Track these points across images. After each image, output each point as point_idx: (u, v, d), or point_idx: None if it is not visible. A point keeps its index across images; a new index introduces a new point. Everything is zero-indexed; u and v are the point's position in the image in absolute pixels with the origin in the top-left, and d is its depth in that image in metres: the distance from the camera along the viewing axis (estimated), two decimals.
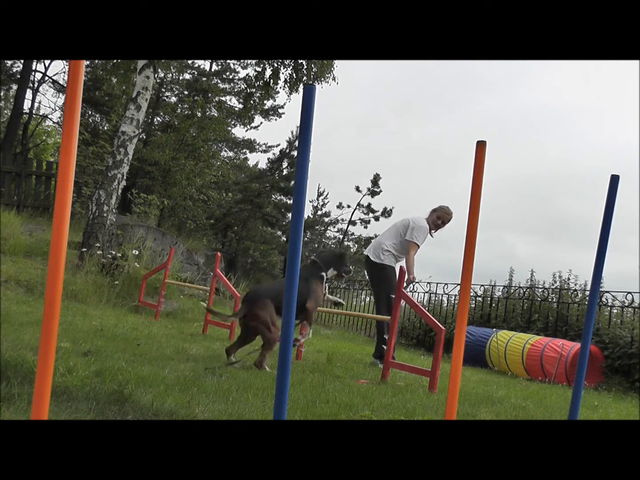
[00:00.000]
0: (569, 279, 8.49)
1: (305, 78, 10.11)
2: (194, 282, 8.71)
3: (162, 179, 14.48)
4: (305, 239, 22.11)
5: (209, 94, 17.47)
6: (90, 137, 13.97)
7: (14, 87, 17.29)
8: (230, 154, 22.02)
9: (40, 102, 29.38)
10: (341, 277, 4.30)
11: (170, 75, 18.95)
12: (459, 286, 7.88)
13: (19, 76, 15.95)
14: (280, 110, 20.56)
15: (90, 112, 17.97)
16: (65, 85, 15.82)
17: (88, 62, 14.76)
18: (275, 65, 10.34)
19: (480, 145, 1.42)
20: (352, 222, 23.23)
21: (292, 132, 19.28)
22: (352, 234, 23.88)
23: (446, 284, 9.21)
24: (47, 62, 16.64)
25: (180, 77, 19.55)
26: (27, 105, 15.99)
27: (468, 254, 1.42)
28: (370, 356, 5.97)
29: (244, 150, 22.37)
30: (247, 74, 14.99)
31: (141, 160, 14.62)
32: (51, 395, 1.11)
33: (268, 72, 10.67)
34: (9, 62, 16.74)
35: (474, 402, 3.39)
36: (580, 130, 45.15)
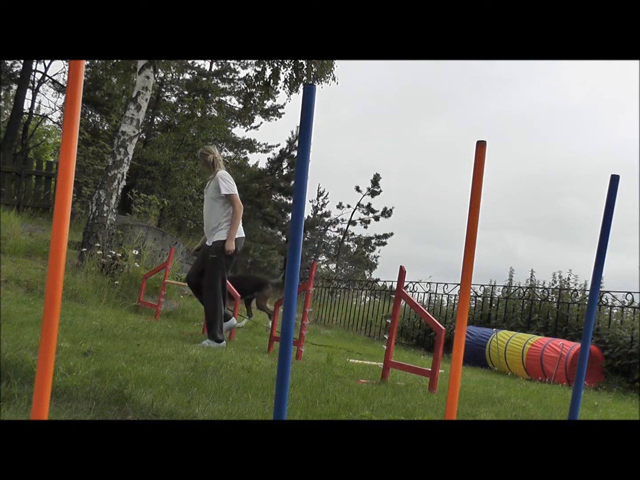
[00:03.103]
0: (569, 279, 8.51)
1: (305, 78, 10.11)
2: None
3: (162, 179, 14.48)
4: (305, 239, 22.13)
5: (209, 94, 17.47)
6: (90, 137, 13.97)
7: (14, 87, 17.30)
8: (230, 154, 22.04)
9: (40, 102, 29.42)
10: None
11: (170, 75, 18.96)
12: (459, 286, 7.88)
13: (19, 76, 15.96)
14: (280, 110, 20.58)
15: (90, 112, 17.98)
16: (65, 85, 15.83)
17: (88, 62, 14.76)
18: (275, 65, 10.34)
19: (480, 145, 1.42)
20: (352, 222, 23.25)
21: (292, 132, 19.29)
22: (352, 234, 23.90)
23: (446, 284, 9.22)
24: (47, 62, 16.65)
25: (180, 77, 19.56)
26: (27, 105, 16.02)
27: (468, 254, 1.42)
28: (370, 356, 5.97)
29: (244, 150, 22.39)
30: (247, 74, 15.00)
31: (141, 160, 14.63)
32: (51, 395, 1.11)
33: (268, 72, 10.68)
34: (9, 62, 16.75)
35: (474, 402, 3.39)
36: (580, 130, 45.18)
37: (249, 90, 11.77)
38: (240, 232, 4.81)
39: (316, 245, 23.25)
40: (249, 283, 7.24)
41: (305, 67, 10.04)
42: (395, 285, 5.46)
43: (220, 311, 4.69)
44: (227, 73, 20.92)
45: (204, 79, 19.23)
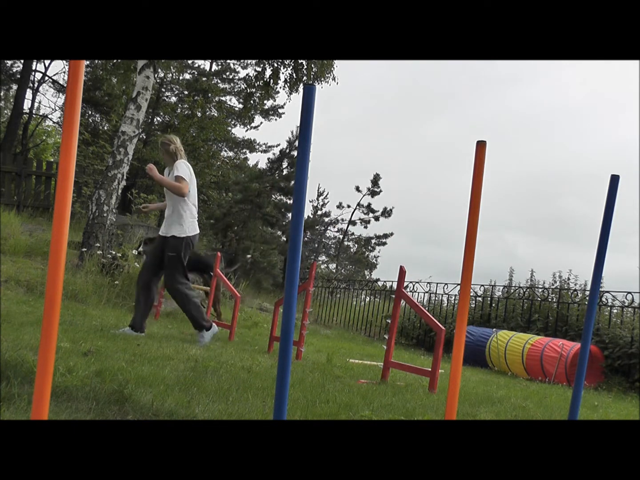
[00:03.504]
0: (569, 279, 8.50)
1: (305, 78, 10.11)
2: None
3: None
4: (305, 239, 22.14)
5: (209, 94, 17.48)
6: (90, 137, 13.98)
7: (14, 87, 17.31)
8: (230, 154, 22.05)
9: (40, 102, 29.40)
10: None
11: (170, 75, 18.96)
12: (459, 286, 7.88)
13: (19, 76, 15.96)
14: (280, 110, 20.58)
15: (90, 112, 17.99)
16: (65, 85, 15.83)
17: (88, 62, 14.76)
18: (275, 65, 10.34)
19: (480, 145, 1.42)
20: (352, 222, 23.26)
21: (292, 132, 19.28)
22: (352, 234, 23.91)
23: (446, 284, 9.22)
24: (47, 62, 16.66)
25: (180, 77, 19.57)
26: (27, 105, 16.03)
27: (468, 254, 1.42)
28: (370, 356, 5.96)
29: (244, 150, 22.39)
30: (247, 74, 15.01)
31: (141, 160, 14.62)
32: (51, 395, 1.11)
33: (268, 72, 10.68)
34: (9, 62, 16.75)
35: (474, 402, 3.39)
36: (580, 130, 45.16)
37: (249, 90, 11.78)
38: (195, 229, 4.69)
39: (316, 245, 23.26)
40: (196, 263, 6.29)
41: (305, 67, 10.04)
42: (395, 285, 5.46)
43: (194, 301, 4.61)
44: (227, 73, 20.92)
45: (204, 79, 19.24)
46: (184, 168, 4.61)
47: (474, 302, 8.78)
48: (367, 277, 21.48)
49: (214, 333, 4.68)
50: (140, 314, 4.61)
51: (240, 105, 17.69)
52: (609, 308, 7.05)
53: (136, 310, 4.69)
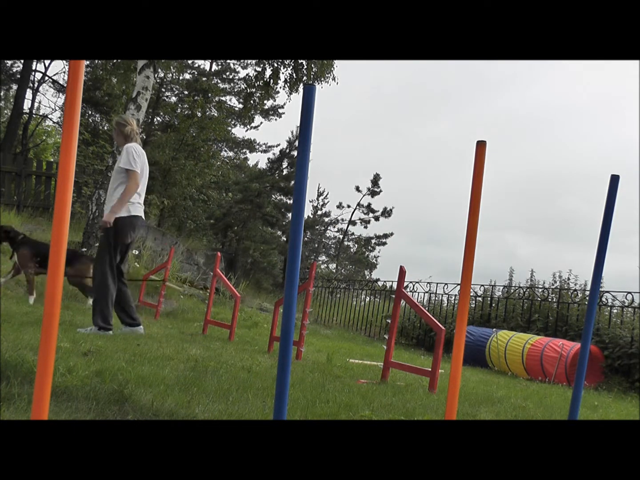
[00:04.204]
0: (569, 279, 8.50)
1: (305, 78, 10.11)
2: (194, 282, 8.72)
3: (162, 179, 14.48)
4: (305, 239, 22.14)
5: (209, 94, 17.49)
6: (90, 137, 13.97)
7: (14, 87, 17.31)
8: (230, 154, 22.07)
9: (40, 102, 29.39)
10: None
11: (170, 75, 18.96)
12: (459, 286, 7.88)
13: (19, 76, 15.96)
14: (280, 110, 20.61)
15: (90, 112, 18.00)
16: (65, 85, 15.82)
17: (88, 62, 14.76)
18: (275, 65, 10.34)
19: (480, 145, 1.42)
20: (352, 222, 23.28)
21: (292, 132, 19.33)
22: (352, 234, 23.93)
23: (446, 284, 9.22)
24: (47, 62, 16.66)
25: (180, 77, 19.57)
26: (27, 105, 16.02)
27: (468, 254, 1.42)
28: (370, 356, 5.96)
29: (244, 150, 22.41)
30: (247, 74, 15.01)
31: None
32: (51, 395, 1.11)
33: (268, 72, 10.68)
34: (9, 62, 16.76)
35: (474, 402, 3.39)
36: (580, 130, 45.13)
37: (249, 90, 11.78)
38: (137, 211, 4.38)
39: (316, 245, 23.28)
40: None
41: (305, 67, 10.04)
42: (395, 285, 5.46)
43: (108, 296, 4.28)
44: (227, 73, 20.94)
45: (204, 79, 19.26)
46: (131, 155, 4.33)
47: (474, 302, 8.78)
48: (367, 277, 21.49)
49: (103, 334, 4.16)
50: (122, 311, 4.52)
51: (240, 105, 17.69)
52: (609, 308, 7.05)
53: (116, 310, 4.53)
